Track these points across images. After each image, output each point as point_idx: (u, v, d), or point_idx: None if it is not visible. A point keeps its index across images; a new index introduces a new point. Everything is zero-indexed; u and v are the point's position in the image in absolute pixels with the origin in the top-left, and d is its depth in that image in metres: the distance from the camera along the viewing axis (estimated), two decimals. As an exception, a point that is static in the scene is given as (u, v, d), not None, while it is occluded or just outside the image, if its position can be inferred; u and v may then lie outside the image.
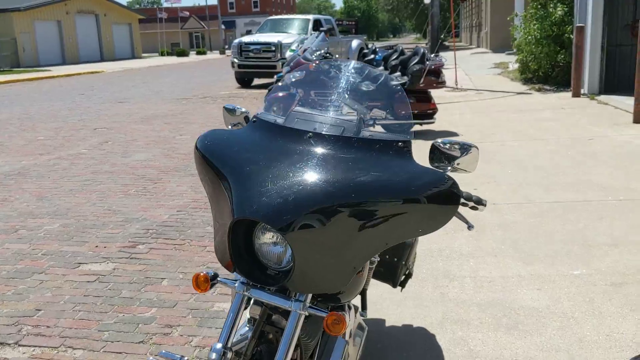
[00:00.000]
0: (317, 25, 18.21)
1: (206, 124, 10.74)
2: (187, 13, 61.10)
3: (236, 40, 17.61)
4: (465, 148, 1.84)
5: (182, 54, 46.51)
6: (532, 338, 3.05)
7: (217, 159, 1.79)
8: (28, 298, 3.70)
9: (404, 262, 2.82)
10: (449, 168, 1.85)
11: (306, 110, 2.00)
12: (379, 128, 2.13)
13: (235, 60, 17.01)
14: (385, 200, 1.65)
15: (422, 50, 8.90)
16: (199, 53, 49.56)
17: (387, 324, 3.25)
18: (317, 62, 8.26)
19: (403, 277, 2.94)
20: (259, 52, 16.52)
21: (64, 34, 39.40)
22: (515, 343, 3.02)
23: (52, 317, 3.43)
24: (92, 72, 27.72)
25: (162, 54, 49.80)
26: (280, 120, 1.95)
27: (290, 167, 1.70)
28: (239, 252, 1.72)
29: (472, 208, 1.91)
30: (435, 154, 1.86)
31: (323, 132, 1.82)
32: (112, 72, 27.93)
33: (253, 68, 16.74)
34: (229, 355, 1.74)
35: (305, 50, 9.81)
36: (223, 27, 64.02)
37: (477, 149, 1.86)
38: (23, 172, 7.22)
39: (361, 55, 11.85)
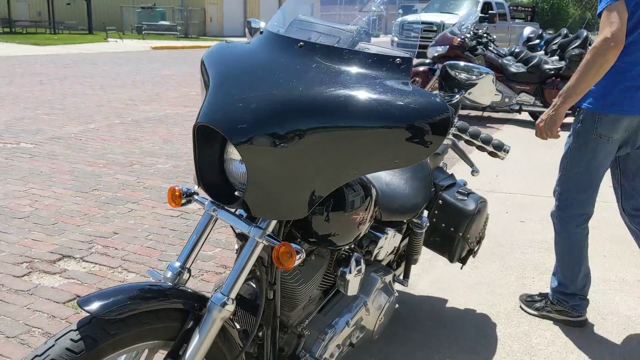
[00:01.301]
0: (486, 8, 17.26)
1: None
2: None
3: (399, 19, 17.27)
4: (478, 73, 1.50)
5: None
6: (605, 346, 2.54)
7: (208, 68, 1.63)
8: (112, 222, 3.87)
9: (461, 235, 2.47)
10: (457, 96, 1.51)
11: (311, 19, 1.76)
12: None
13: (395, 38, 16.70)
14: (357, 124, 1.39)
15: (584, 34, 7.97)
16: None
17: (447, 305, 2.91)
18: (463, 37, 7.73)
19: (464, 253, 2.58)
20: (420, 31, 16.04)
21: (247, 7, 41.72)
22: (583, 348, 2.53)
23: (123, 242, 3.55)
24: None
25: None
26: (282, 30, 1.73)
27: (267, 79, 1.49)
28: (208, 167, 1.56)
29: (491, 154, 1.58)
30: (447, 80, 1.54)
31: (314, 42, 1.58)
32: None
33: (412, 48, 16.30)
34: (185, 275, 1.60)
35: (454, 25, 9.27)
36: (400, 11, 63.69)
37: (493, 75, 1.51)
38: (163, 119, 7.68)
39: (526, 41, 10.96)
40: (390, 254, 2.35)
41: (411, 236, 2.43)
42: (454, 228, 2.48)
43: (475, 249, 2.64)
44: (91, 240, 3.55)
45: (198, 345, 1.47)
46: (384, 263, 2.37)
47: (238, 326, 1.86)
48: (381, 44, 1.67)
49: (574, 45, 7.94)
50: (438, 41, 8.59)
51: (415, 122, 1.38)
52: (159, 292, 1.47)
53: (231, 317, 1.74)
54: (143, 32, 30.31)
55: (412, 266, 2.62)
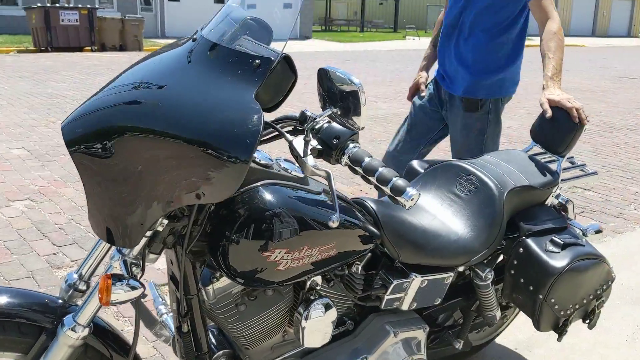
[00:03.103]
0: None
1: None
2: None
3: None
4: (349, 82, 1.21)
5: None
6: None
7: None
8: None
9: (542, 298, 1.79)
10: (324, 114, 1.10)
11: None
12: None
13: None
14: (170, 135, 1.15)
15: None
16: None
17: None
18: None
19: (556, 321, 1.88)
20: None
21: (599, 7, 38.74)
22: None
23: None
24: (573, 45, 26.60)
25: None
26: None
27: (132, 79, 1.28)
28: None
29: (390, 198, 1.12)
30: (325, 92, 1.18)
31: (202, 36, 1.33)
32: (594, 47, 26.20)
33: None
34: (81, 286, 1.45)
35: None
36: None
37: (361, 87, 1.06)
38: (389, 118, 7.54)
39: None
40: (442, 309, 1.90)
41: (475, 289, 1.91)
42: (532, 287, 1.84)
43: (586, 319, 1.97)
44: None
45: None
46: (446, 323, 1.96)
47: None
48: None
49: None
50: None
51: (206, 139, 1.12)
52: (19, 301, 1.36)
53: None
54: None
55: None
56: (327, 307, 1.50)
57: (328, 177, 1.27)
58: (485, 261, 1.89)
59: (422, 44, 23.31)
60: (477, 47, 2.53)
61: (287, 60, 1.30)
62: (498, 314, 1.97)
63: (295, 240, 1.30)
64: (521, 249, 1.86)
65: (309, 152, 1.19)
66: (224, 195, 1.16)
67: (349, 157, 1.21)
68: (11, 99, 7.64)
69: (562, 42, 2.29)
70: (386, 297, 1.69)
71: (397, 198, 1.14)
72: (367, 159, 1.18)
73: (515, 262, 1.87)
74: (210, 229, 1.32)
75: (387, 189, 1.15)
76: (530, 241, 1.85)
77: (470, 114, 2.61)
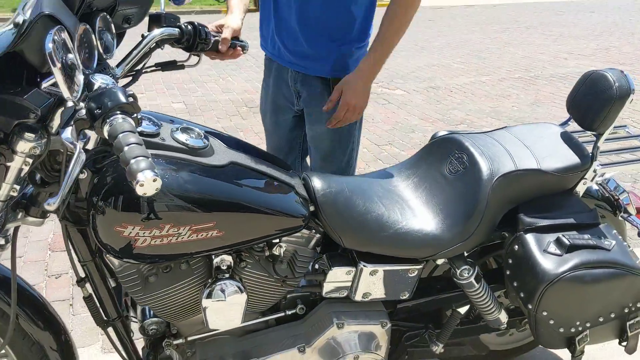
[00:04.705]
0: None
1: None
2: None
3: None
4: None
5: None
6: None
7: None
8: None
9: (531, 309, 1.50)
10: None
11: None
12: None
13: None
14: None
15: None
16: None
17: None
18: None
19: (558, 337, 1.55)
20: None
21: None
22: None
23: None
24: None
25: None
26: None
27: None
28: None
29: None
30: None
31: None
32: None
33: None
34: None
35: None
36: None
37: None
38: (568, 77, 6.68)
39: None
40: (419, 305, 1.69)
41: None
42: (523, 294, 1.52)
43: (621, 341, 1.60)
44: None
45: None
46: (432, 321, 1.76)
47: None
48: None
49: None
50: None
51: None
52: None
53: None
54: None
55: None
56: (232, 290, 1.39)
57: (74, 155, 1.06)
58: (467, 255, 1.59)
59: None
60: None
61: None
62: (502, 317, 1.65)
63: (147, 217, 1.21)
64: (517, 246, 1.53)
65: (72, 123, 1.06)
66: None
67: (107, 131, 0.99)
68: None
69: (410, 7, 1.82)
70: (325, 284, 1.53)
71: (132, 183, 0.94)
72: (121, 135, 0.95)
73: (510, 262, 1.55)
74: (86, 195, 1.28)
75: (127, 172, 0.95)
76: (528, 238, 1.51)
77: None
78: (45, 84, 1.12)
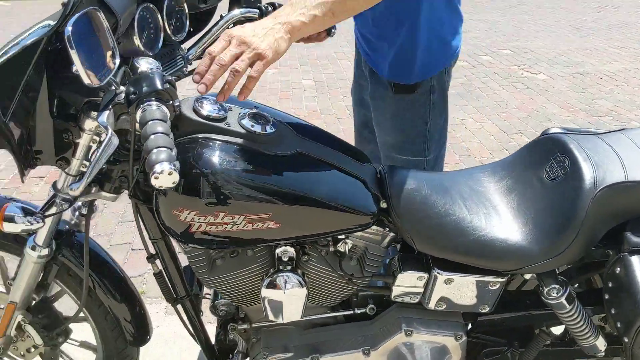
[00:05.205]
0: None
1: None
2: None
3: None
4: None
5: None
6: None
7: None
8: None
9: (627, 342, 1.33)
10: None
11: None
12: None
13: None
14: None
15: None
16: None
17: None
18: None
19: None
20: None
21: None
22: None
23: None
24: None
25: None
26: None
27: None
28: None
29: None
30: None
31: None
32: None
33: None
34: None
35: None
36: None
37: None
38: None
39: None
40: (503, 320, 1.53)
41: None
42: (620, 324, 1.35)
43: None
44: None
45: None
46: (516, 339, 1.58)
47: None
48: None
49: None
50: None
51: None
52: None
53: None
54: None
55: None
56: (292, 283, 1.34)
57: (105, 140, 1.04)
58: (560, 272, 1.40)
59: None
60: None
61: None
62: (600, 344, 1.45)
63: (203, 203, 1.19)
64: (619, 268, 1.32)
65: (110, 107, 1.03)
66: None
67: (139, 117, 0.97)
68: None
69: None
70: (394, 288, 1.42)
71: (148, 173, 0.90)
72: (150, 122, 0.93)
73: (610, 285, 1.35)
74: None
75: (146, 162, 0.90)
76: (633, 260, 1.30)
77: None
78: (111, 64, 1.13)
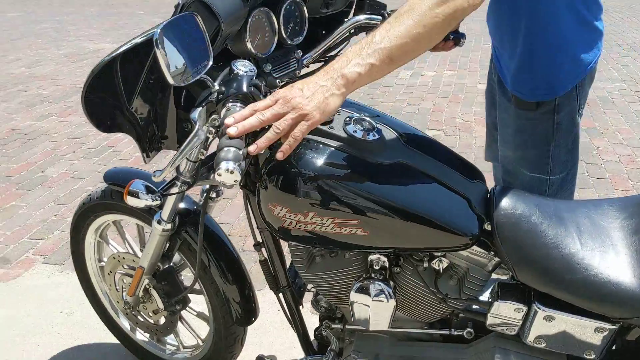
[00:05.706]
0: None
1: None
2: None
3: None
4: None
5: None
6: None
7: None
8: None
9: None
10: None
11: None
12: None
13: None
14: None
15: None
16: None
17: None
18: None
19: None
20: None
21: None
22: None
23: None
24: None
25: None
26: None
27: None
28: None
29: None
30: None
31: None
32: None
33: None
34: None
35: None
36: None
37: None
38: None
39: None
40: None
41: None
42: None
43: None
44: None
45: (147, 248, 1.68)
46: None
47: None
48: None
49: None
50: None
51: None
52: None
53: None
54: None
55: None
56: (380, 293, 1.33)
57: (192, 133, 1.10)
58: None
59: None
60: None
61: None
62: None
63: (295, 201, 1.22)
64: None
65: (203, 104, 1.06)
66: None
67: (223, 116, 1.03)
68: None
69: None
70: (489, 316, 1.34)
71: (215, 169, 0.93)
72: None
73: None
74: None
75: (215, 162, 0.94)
76: None
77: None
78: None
